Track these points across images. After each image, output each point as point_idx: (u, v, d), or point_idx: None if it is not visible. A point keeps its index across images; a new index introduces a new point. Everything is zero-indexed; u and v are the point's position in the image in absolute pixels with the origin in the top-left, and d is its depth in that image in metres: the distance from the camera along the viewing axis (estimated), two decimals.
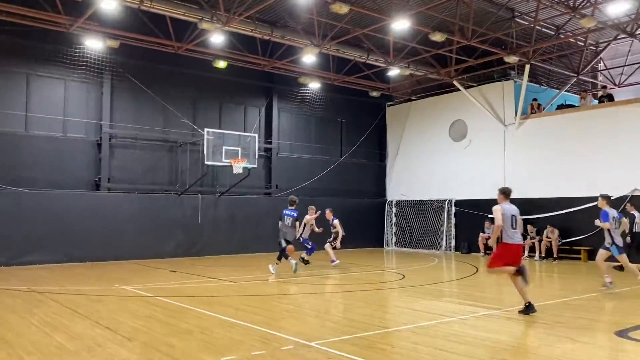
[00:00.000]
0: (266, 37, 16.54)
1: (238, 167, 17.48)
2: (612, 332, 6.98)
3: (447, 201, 21.67)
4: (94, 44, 16.03)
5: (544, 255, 17.84)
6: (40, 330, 6.97)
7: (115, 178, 17.43)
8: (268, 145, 20.83)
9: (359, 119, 23.86)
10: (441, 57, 20.08)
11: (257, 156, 18.68)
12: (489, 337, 6.63)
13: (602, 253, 10.49)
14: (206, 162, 17.46)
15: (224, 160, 17.58)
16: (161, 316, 7.91)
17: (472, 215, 20.75)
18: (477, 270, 14.45)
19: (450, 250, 21.34)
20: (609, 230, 10.25)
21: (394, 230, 23.56)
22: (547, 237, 17.80)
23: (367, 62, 18.94)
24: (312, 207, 15.65)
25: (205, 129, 17.58)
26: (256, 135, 19.01)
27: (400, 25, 14.61)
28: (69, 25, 15.27)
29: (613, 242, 10.23)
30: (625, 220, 14.42)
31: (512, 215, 8.20)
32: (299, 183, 21.42)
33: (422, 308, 8.65)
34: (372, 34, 16.84)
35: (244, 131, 19.64)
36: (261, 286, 11.47)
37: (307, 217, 15.34)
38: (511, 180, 19.58)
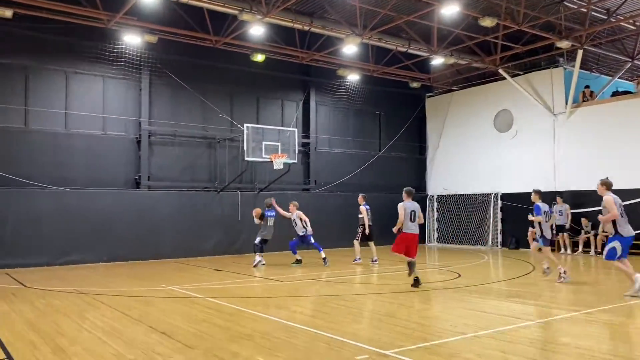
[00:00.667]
0: (306, 28, 16.02)
1: (279, 162, 17.03)
2: None
3: (492, 195, 20.84)
4: (132, 40, 15.78)
5: (599, 250, 16.87)
6: (93, 336, 6.60)
7: (155, 176, 17.18)
8: (306, 140, 20.34)
9: (397, 112, 23.17)
10: (484, 45, 19.28)
11: (296, 151, 18.20)
12: (580, 345, 5.98)
13: (534, 245, 11.42)
14: (246, 158, 17.05)
15: (264, 156, 17.14)
16: (217, 320, 7.48)
17: (519, 209, 19.83)
18: (534, 268, 13.68)
19: (497, 245, 20.52)
20: (539, 223, 11.09)
21: (435, 225, 22.82)
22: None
23: (409, 51, 18.24)
24: (295, 202, 15.18)
25: (245, 124, 17.17)
26: (296, 129, 18.53)
27: (450, 10, 13.91)
28: (107, 20, 15.05)
29: (542, 235, 11.11)
30: (555, 215, 15.25)
31: (412, 211, 10.33)
32: (337, 178, 20.90)
33: (493, 310, 8.02)
34: (417, 20, 16.13)
35: (282, 126, 19.18)
36: (312, 286, 10.98)
37: (287, 213, 14.91)
38: (562, 171, 18.76)
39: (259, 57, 17.88)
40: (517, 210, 19.95)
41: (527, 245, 19.16)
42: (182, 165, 17.80)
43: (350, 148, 21.77)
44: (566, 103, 18.69)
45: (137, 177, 16.85)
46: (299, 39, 18.11)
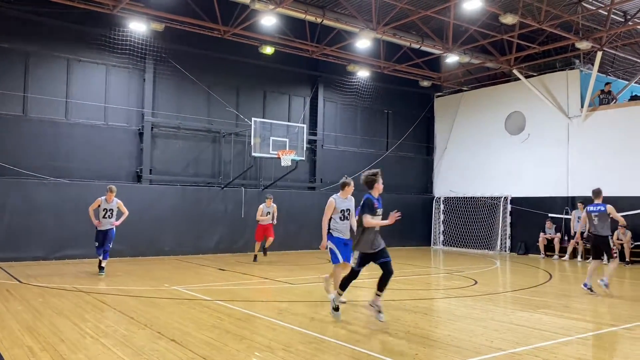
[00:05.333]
0: (319, 20, 15.43)
1: (286, 159, 16.46)
2: None
3: (502, 199, 20.33)
4: (137, 27, 15.16)
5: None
6: (97, 342, 6.02)
7: (157, 169, 16.57)
8: (313, 137, 19.75)
9: (406, 111, 22.64)
10: (498, 44, 18.77)
11: (304, 148, 17.63)
12: None
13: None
14: (253, 154, 16.49)
15: (271, 151, 16.57)
16: (230, 326, 6.91)
17: (529, 214, 19.41)
18: (551, 277, 13.17)
19: (506, 250, 20.01)
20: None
21: (441, 228, 22.30)
22: (619, 240, 16.37)
23: (422, 48, 17.69)
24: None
25: (253, 119, 16.59)
26: (305, 125, 17.96)
27: (472, 5, 13.34)
28: (112, 6, 14.44)
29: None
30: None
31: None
32: (343, 177, 20.29)
33: (525, 323, 7.48)
34: (433, 15, 15.58)
35: (288, 121, 18.60)
36: (324, 290, 10.40)
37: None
38: (576, 176, 18.27)
39: (268, 50, 17.29)
40: (527, 215, 19.48)
41: (538, 251, 18.78)
42: (186, 159, 17.20)
43: (357, 146, 21.22)
44: (582, 106, 18.19)
45: (138, 170, 16.23)
46: (310, 32, 17.53)
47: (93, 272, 11.80)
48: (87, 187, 14.75)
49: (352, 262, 8.09)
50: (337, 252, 8.31)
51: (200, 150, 17.47)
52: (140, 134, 16.30)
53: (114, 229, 11.71)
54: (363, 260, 7.26)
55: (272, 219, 14.73)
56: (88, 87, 15.54)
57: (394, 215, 6.87)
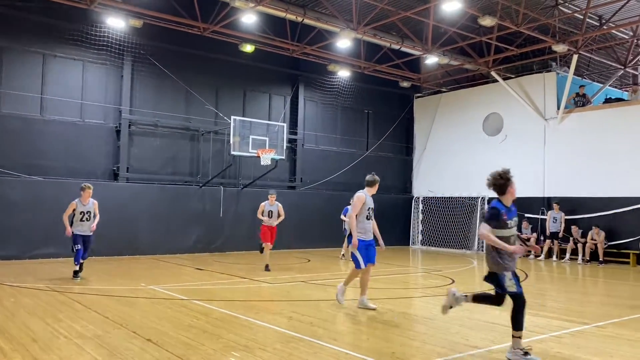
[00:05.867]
0: (299, 19, 15.42)
1: (266, 158, 16.40)
2: None
3: (479, 199, 20.55)
4: (115, 23, 14.95)
5: (588, 258, 16.70)
6: (70, 342, 5.91)
7: (134, 167, 16.37)
8: (293, 136, 19.72)
9: (385, 111, 22.75)
10: (477, 46, 18.98)
11: (284, 147, 17.59)
12: None
13: None
14: (232, 152, 16.38)
15: (250, 150, 16.49)
16: (206, 325, 6.85)
17: None
18: (527, 276, 13.36)
19: (482, 250, 20.17)
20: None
21: (420, 228, 22.46)
22: (592, 239, 16.68)
23: (402, 49, 17.79)
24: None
25: (232, 117, 16.49)
26: (285, 124, 17.92)
27: (451, 6, 13.46)
28: (89, 1, 14.20)
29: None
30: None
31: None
32: (323, 176, 20.35)
33: (500, 321, 7.56)
34: (413, 16, 15.68)
35: (269, 120, 18.53)
36: (303, 289, 10.41)
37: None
38: (552, 177, 18.57)
39: (248, 48, 17.22)
40: None
41: None
42: (164, 157, 17.02)
43: (337, 146, 21.24)
44: (558, 108, 18.49)
45: (115, 168, 16.02)
46: (290, 30, 17.49)
47: (68, 272, 11.59)
48: (63, 185, 14.49)
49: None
50: (359, 256, 7.87)
51: (178, 148, 17.30)
52: (118, 132, 16.08)
53: (92, 234, 10.74)
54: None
55: (276, 220, 12.89)
56: (64, 84, 15.28)
57: (533, 247, 6.63)
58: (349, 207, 15.51)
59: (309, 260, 15.61)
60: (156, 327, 6.72)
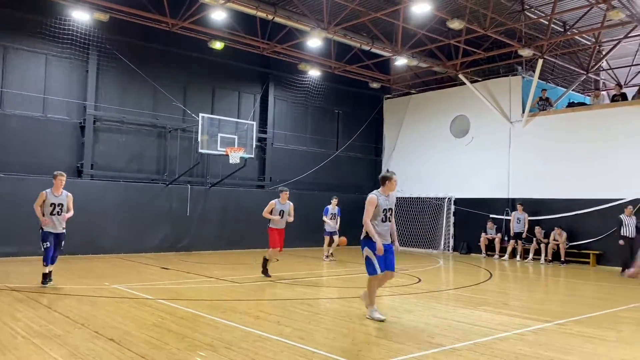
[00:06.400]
0: (270, 17, 15.34)
1: (235, 156, 16.26)
2: None
3: (446, 199, 20.84)
4: (80, 16, 14.59)
5: (550, 258, 17.12)
6: (29, 342, 5.73)
7: (99, 164, 16.02)
8: (263, 135, 19.61)
9: (355, 112, 22.85)
10: (445, 49, 19.26)
11: (254, 146, 17.47)
12: None
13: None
14: (200, 150, 16.17)
15: (219, 148, 16.32)
16: (172, 325, 6.74)
17: (472, 215, 19.98)
18: (491, 276, 13.60)
19: (449, 250, 20.52)
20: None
21: None
22: (555, 240, 17.09)
23: (372, 50, 17.90)
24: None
25: (200, 114, 16.28)
26: (254, 123, 17.80)
27: (421, 8, 13.59)
28: None
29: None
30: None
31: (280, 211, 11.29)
32: (292, 176, 20.27)
33: (465, 319, 7.68)
34: (383, 18, 15.78)
35: (238, 118, 18.37)
36: (271, 288, 10.35)
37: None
38: (516, 179, 18.95)
39: (218, 45, 17.04)
40: (469, 216, 20.04)
41: (479, 251, 19.36)
42: (129, 154, 16.69)
43: (307, 145, 21.22)
44: (523, 111, 18.89)
45: (79, 165, 15.64)
46: (261, 28, 17.40)
47: (27, 272, 11.25)
48: (22, 182, 14.08)
49: None
50: (374, 260, 7.12)
51: (145, 145, 17.00)
52: (82, 128, 15.70)
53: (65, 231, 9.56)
54: None
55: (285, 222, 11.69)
56: (26, 77, 14.85)
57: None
58: (329, 207, 15.50)
59: (277, 260, 15.49)
60: (119, 326, 6.57)
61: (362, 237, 7.28)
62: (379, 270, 7.12)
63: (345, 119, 22.57)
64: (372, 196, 7.22)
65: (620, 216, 14.70)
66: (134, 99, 16.71)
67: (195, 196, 17.42)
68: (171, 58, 17.26)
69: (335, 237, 14.80)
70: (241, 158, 16.78)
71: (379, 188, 7.47)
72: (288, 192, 11.73)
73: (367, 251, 7.19)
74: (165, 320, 7.04)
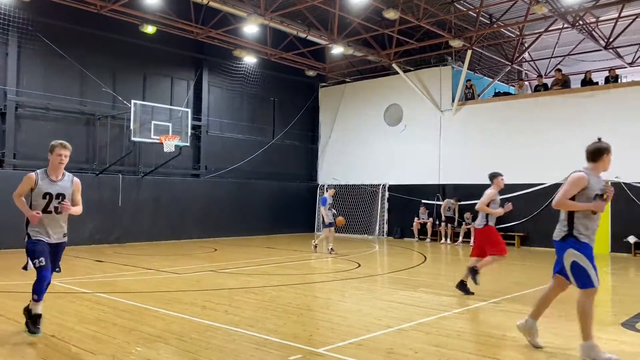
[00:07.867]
0: (205, 1, 14.99)
1: (169, 144, 15.85)
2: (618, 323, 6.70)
3: (380, 186, 21.34)
4: None
5: None
6: None
7: (22, 153, 15.11)
8: (197, 123, 19.19)
9: (292, 99, 22.83)
10: (380, 39, 19.60)
11: (188, 134, 17.09)
12: (504, 335, 6.05)
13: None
14: (132, 138, 15.64)
15: (152, 136, 15.84)
16: (116, 319, 6.55)
17: (405, 201, 20.61)
18: (425, 259, 14.14)
19: (383, 235, 21.08)
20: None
21: None
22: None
23: (308, 38, 17.93)
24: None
25: (132, 101, 15.71)
26: (189, 110, 17.39)
27: None
28: None
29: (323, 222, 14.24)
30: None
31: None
32: (228, 164, 20.04)
33: (407, 301, 7.97)
34: (319, 5, 15.83)
35: (171, 105, 17.87)
36: (214, 278, 10.23)
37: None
38: (446, 166, 19.69)
39: (149, 29, 16.46)
40: (403, 202, 20.66)
41: (412, 235, 20.03)
42: None
43: (243, 133, 20.99)
44: (452, 100, 19.61)
45: (0, 155, 14.68)
46: (194, 13, 16.96)
47: None
48: None
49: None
50: (589, 269, 4.92)
51: (72, 133, 16.15)
52: (3, 114, 14.74)
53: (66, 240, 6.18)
54: None
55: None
56: None
57: None
58: (326, 196, 15.10)
59: (216, 250, 15.37)
60: (59, 322, 6.32)
61: (562, 236, 5.09)
62: (597, 283, 4.94)
63: (282, 107, 22.52)
64: (581, 175, 5.00)
65: None
66: (60, 84, 15.85)
67: (127, 186, 16.85)
68: (100, 42, 16.49)
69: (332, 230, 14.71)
70: (176, 146, 16.39)
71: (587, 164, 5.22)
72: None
73: (577, 256, 4.97)
74: (107, 314, 6.83)
